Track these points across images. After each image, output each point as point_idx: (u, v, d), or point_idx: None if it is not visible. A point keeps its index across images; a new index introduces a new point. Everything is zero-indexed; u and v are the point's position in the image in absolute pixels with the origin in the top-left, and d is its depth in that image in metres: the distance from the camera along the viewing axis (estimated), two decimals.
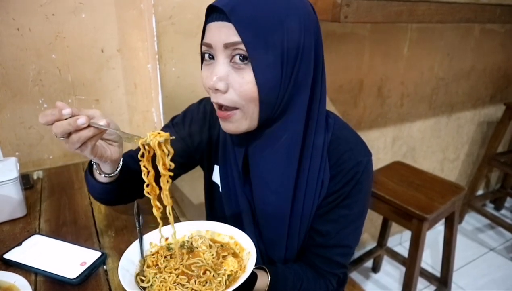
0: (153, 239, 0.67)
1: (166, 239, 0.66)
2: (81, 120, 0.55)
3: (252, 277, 0.66)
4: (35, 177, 1.07)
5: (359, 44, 1.59)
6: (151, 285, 0.56)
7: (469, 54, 2.04)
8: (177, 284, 0.55)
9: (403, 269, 1.71)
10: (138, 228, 0.68)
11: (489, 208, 2.68)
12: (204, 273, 0.57)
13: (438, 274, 1.83)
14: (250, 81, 0.60)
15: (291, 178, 0.69)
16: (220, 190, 0.81)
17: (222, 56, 0.61)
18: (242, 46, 0.58)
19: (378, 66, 1.69)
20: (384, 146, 1.95)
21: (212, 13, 0.61)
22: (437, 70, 1.94)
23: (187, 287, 0.55)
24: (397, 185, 1.61)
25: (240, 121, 0.65)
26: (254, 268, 0.57)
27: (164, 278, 0.57)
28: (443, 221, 1.67)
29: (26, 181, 1.02)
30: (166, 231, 0.67)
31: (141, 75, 1.23)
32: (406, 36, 1.72)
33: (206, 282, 0.55)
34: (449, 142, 2.29)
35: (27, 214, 0.88)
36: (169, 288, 0.55)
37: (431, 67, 1.91)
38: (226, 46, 0.59)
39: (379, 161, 1.95)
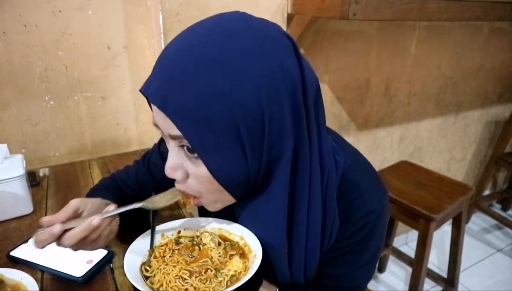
0: (165, 230, 0.66)
1: (179, 232, 0.66)
2: (94, 237, 0.58)
3: (256, 281, 0.64)
4: (41, 174, 1.07)
5: (366, 43, 1.57)
6: (154, 275, 0.56)
7: (477, 53, 2.01)
8: (179, 278, 0.55)
9: (409, 269, 1.69)
10: (151, 218, 0.67)
11: (496, 208, 2.66)
12: (205, 271, 0.56)
13: (444, 275, 1.82)
14: (206, 175, 0.51)
15: (283, 234, 0.59)
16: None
17: (172, 143, 0.52)
18: (185, 140, 0.49)
19: (385, 64, 1.68)
20: (390, 145, 1.93)
21: None
22: (444, 69, 1.92)
23: (187, 282, 0.54)
24: (404, 185, 1.59)
25: (212, 205, 0.58)
26: (265, 279, 0.56)
27: (166, 270, 0.57)
28: (449, 221, 1.65)
29: (32, 178, 1.02)
30: (177, 225, 0.67)
31: (148, 72, 1.20)
32: (413, 34, 1.70)
33: (207, 280, 0.55)
34: (456, 142, 2.27)
35: (33, 211, 0.88)
36: (169, 281, 0.55)
37: (439, 66, 1.89)
38: (171, 137, 0.51)
39: (385, 160, 1.93)
